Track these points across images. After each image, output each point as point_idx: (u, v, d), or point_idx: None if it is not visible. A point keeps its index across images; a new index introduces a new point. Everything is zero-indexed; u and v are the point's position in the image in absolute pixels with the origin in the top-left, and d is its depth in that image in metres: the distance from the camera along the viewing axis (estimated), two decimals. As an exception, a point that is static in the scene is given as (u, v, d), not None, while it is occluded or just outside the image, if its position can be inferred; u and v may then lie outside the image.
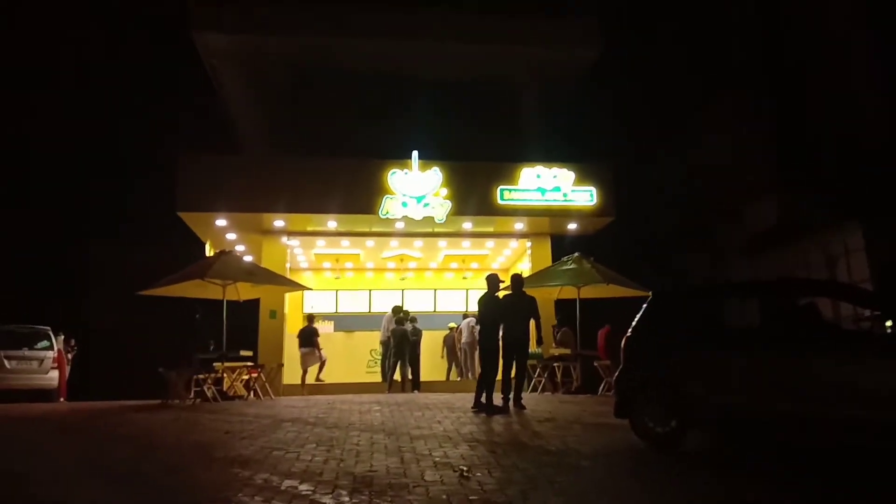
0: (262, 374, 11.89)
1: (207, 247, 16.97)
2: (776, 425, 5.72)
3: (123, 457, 6.36)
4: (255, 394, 11.92)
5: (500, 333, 9.18)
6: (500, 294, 9.42)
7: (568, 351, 12.82)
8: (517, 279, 9.59)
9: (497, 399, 9.01)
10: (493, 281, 9.31)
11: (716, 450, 6.60)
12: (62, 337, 15.56)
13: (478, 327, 10.90)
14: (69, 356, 15.89)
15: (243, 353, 11.87)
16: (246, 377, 12.24)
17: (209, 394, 11.04)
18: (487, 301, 9.25)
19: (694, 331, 6.57)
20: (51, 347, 14.85)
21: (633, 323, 6.87)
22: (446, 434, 7.17)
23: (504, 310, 9.19)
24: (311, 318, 15.76)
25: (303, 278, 19.12)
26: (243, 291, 13.03)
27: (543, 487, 4.96)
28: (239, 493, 4.82)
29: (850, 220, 13.67)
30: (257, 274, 11.93)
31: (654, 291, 6.91)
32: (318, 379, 15.09)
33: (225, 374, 11.96)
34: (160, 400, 11.60)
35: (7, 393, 14.23)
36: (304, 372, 15.14)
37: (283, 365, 12.49)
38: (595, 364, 12.64)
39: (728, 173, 16.38)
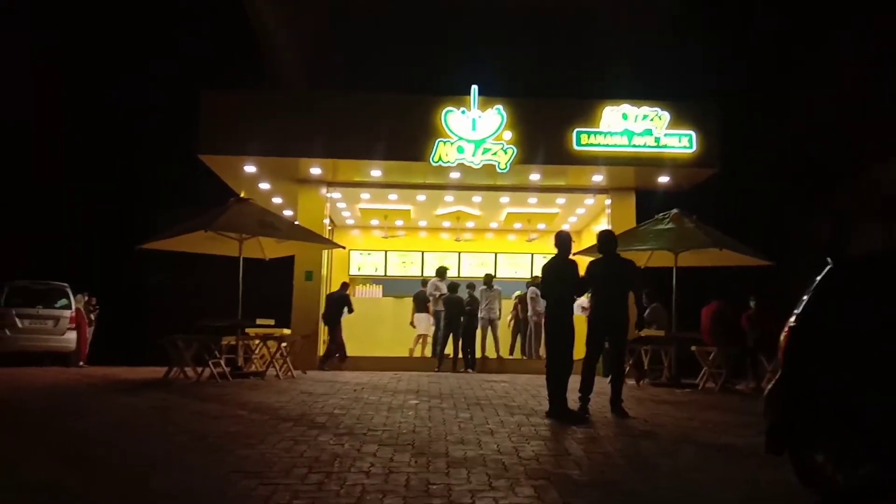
0: (283, 348, 9.90)
1: (242, 199, 15.11)
2: None
3: (28, 480, 4.38)
4: (278, 371, 9.96)
5: (590, 309, 6.90)
6: (582, 258, 7.01)
7: (660, 332, 10.31)
8: (608, 237, 7.11)
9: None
10: (563, 241, 6.81)
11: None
12: (84, 296, 14.13)
13: (541, 302, 8.52)
14: (91, 316, 14.44)
15: (261, 321, 9.91)
16: (274, 349, 10.28)
17: (216, 369, 9.13)
18: (554, 267, 6.76)
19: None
20: (69, 306, 13.45)
21: (801, 307, 4.36)
22: (500, 458, 4.90)
23: (594, 279, 6.80)
24: (424, 282, 14.16)
25: (349, 237, 17.18)
26: (268, 248, 11.08)
27: None
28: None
29: None
30: (278, 227, 9.86)
31: (835, 259, 4.36)
32: None
33: (241, 346, 10.09)
34: (166, 369, 9.83)
35: (20, 355, 12.96)
36: (417, 340, 13.86)
37: (308, 336, 10.48)
38: (693, 349, 10.10)
39: (858, 123, 13.21)
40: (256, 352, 10.35)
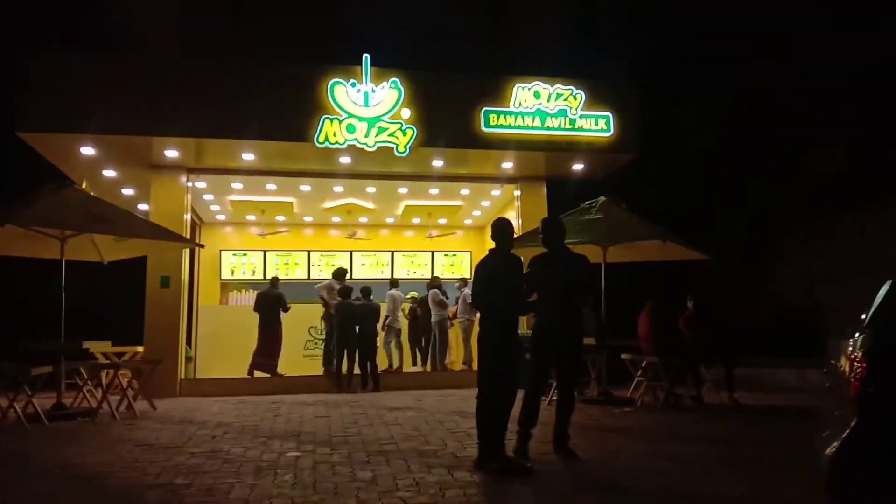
0: (120, 378, 7.61)
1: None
2: None
3: None
4: (113, 409, 7.67)
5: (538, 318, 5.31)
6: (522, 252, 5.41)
7: (589, 340, 8.96)
8: (554, 225, 5.51)
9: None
10: (503, 229, 5.01)
11: None
12: None
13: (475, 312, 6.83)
14: None
15: (88, 343, 7.61)
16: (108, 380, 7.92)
17: (19, 410, 6.77)
18: (491, 264, 5.01)
19: None
20: None
21: (872, 337, 2.95)
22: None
23: (538, 279, 5.20)
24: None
25: (220, 236, 14.86)
26: (106, 249, 8.73)
27: None
28: None
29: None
30: (113, 221, 7.54)
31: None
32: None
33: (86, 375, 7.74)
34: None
35: None
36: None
37: (160, 361, 8.20)
38: (624, 357, 8.84)
39: (780, 106, 12.58)
40: (91, 381, 7.98)
